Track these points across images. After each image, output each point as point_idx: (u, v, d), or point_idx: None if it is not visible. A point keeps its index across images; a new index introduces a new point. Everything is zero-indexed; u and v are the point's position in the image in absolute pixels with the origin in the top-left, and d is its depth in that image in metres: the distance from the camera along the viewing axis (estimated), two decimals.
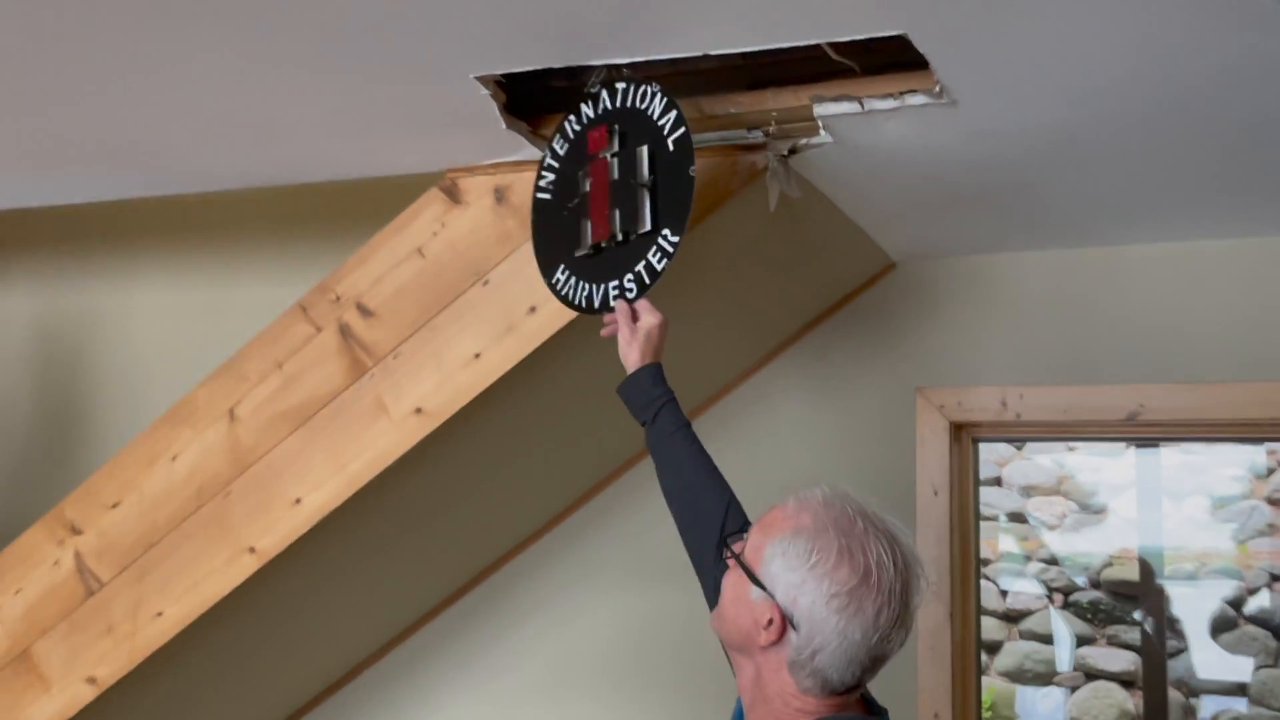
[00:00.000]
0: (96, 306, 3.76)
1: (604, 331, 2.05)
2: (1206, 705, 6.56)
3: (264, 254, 3.56)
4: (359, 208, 2.73)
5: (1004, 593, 6.92)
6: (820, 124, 2.07)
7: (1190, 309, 2.75)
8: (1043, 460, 7.43)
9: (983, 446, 3.09)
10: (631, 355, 1.97)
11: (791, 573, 1.47)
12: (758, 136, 2.13)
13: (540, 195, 2.13)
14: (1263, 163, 2.29)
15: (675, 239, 1.89)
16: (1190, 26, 1.67)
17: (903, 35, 1.74)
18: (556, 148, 2.10)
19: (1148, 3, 1.62)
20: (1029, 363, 2.84)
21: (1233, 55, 1.78)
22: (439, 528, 2.86)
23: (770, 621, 1.47)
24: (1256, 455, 7.27)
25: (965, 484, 2.94)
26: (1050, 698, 6.82)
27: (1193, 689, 6.59)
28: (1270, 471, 7.17)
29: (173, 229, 3.69)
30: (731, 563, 1.59)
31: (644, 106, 1.93)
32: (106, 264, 3.79)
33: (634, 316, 1.97)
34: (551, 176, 2.11)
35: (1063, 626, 6.90)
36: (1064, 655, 6.86)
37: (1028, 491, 7.12)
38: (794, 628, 1.46)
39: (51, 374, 3.79)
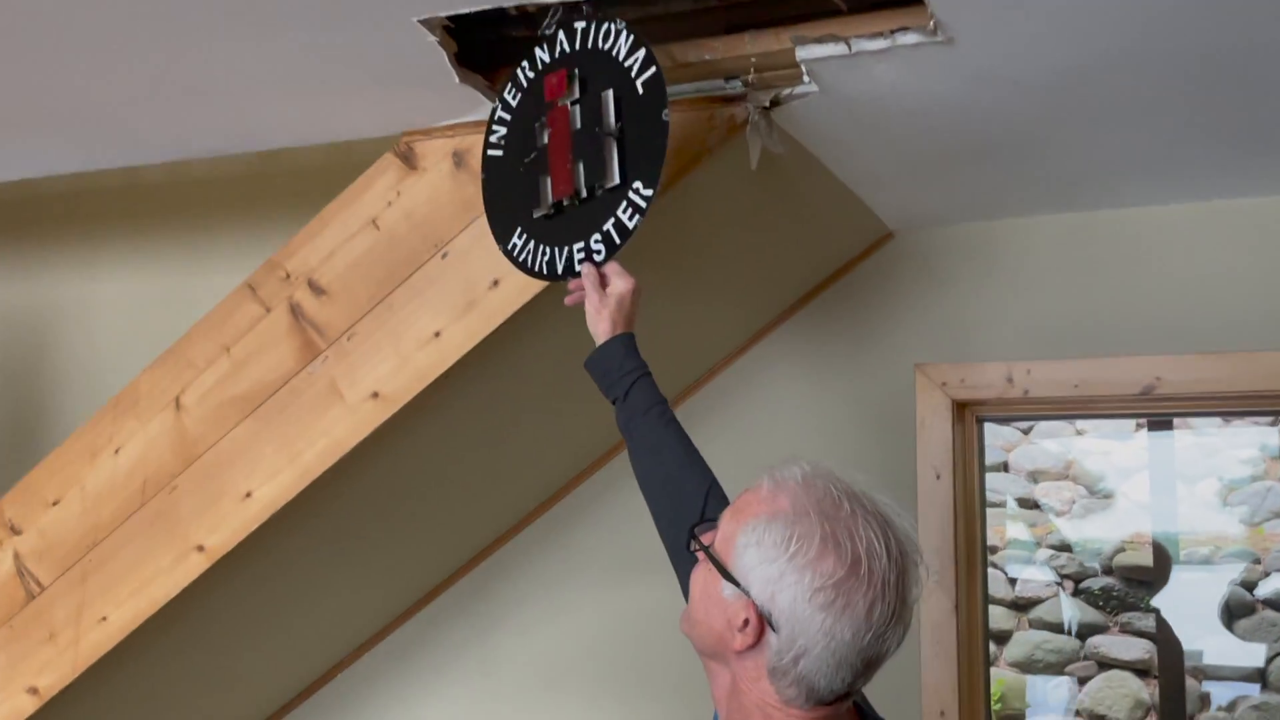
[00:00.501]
0: (57, 296, 3.68)
1: (569, 300, 1.89)
2: (1221, 692, 6.52)
3: (231, 240, 3.44)
4: (329, 190, 2.58)
5: (1013, 580, 6.96)
6: (804, 70, 1.91)
7: (1209, 274, 2.61)
8: (1050, 444, 7.47)
9: (988, 428, 2.95)
10: (601, 325, 1.80)
11: (769, 565, 1.29)
12: (736, 87, 1.97)
13: (491, 152, 1.97)
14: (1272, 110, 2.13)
15: (649, 192, 1.72)
16: None
17: None
18: (508, 98, 1.94)
19: None
20: (1036, 336, 2.71)
21: None
22: (404, 523, 2.72)
23: (746, 622, 1.30)
24: (1269, 436, 7.29)
25: (970, 466, 2.81)
26: (1062, 686, 6.79)
27: (1207, 675, 6.57)
28: None
29: (136, 215, 3.61)
30: (700, 556, 1.41)
31: (607, 47, 1.77)
32: (66, 252, 3.70)
33: (603, 282, 1.81)
34: (503, 131, 1.95)
35: (1074, 611, 6.87)
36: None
37: (1035, 476, 7.18)
38: (773, 629, 1.28)
39: (10, 367, 3.70)
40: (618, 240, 1.77)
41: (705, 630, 1.40)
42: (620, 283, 1.79)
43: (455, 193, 2.14)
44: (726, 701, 1.40)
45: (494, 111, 1.97)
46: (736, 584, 1.31)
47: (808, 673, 1.27)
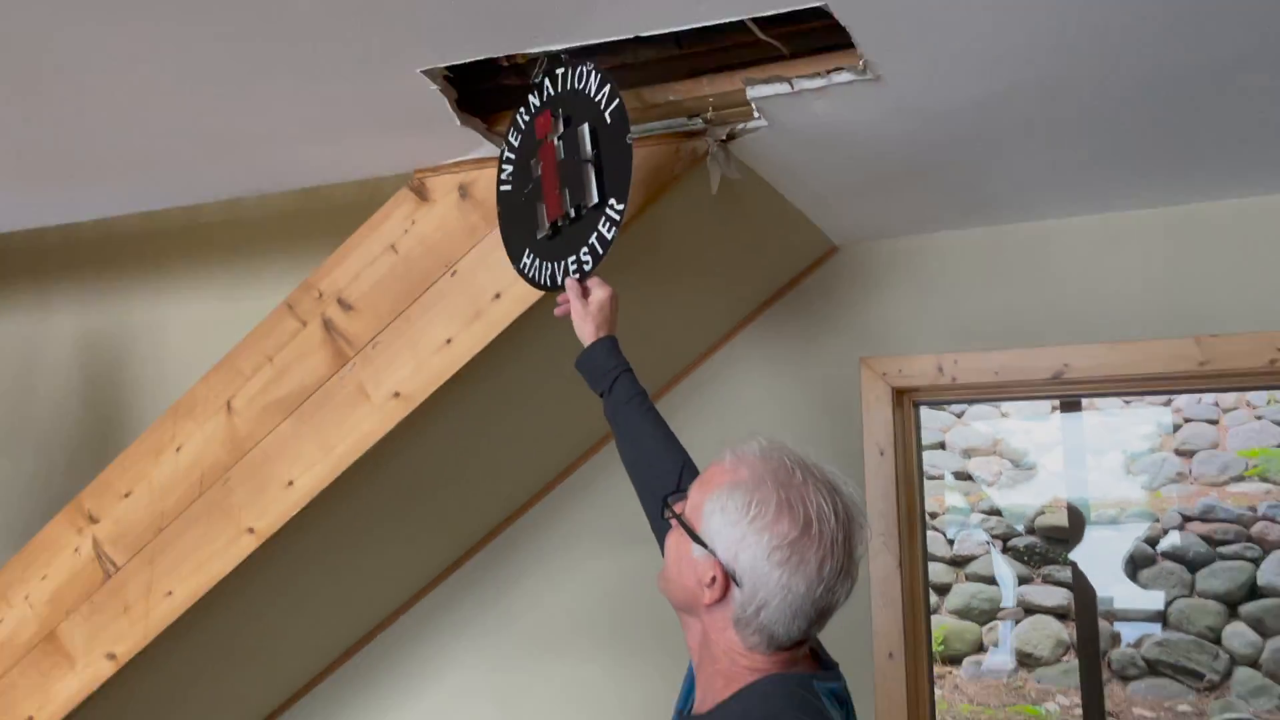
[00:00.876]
0: (131, 322, 3.64)
1: (558, 312, 1.86)
2: (1129, 632, 6.58)
3: (276, 266, 3.39)
4: (358, 220, 2.57)
5: (951, 541, 7.00)
6: (754, 107, 1.89)
7: (1108, 275, 2.59)
8: (980, 425, 7.52)
9: (925, 412, 2.92)
10: (586, 329, 1.79)
11: (731, 528, 1.28)
12: (697, 123, 1.95)
13: (502, 188, 1.95)
14: (1173, 136, 2.10)
15: (621, 206, 1.70)
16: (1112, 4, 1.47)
17: (824, 7, 1.53)
18: (512, 140, 1.92)
19: None
20: (962, 331, 2.68)
21: (1148, 23, 1.57)
22: (425, 505, 2.68)
23: (713, 579, 1.29)
24: (1163, 415, 7.34)
25: (908, 444, 2.78)
26: (993, 631, 6.84)
27: (1116, 617, 6.62)
28: (1176, 428, 7.24)
29: (195, 248, 3.58)
30: (673, 522, 1.40)
31: (582, 86, 1.74)
32: (139, 284, 3.66)
33: (585, 293, 1.79)
34: (510, 169, 1.92)
35: (1004, 567, 6.94)
36: (1008, 595, 6.91)
37: (968, 453, 7.25)
38: (737, 584, 1.27)
39: (94, 383, 3.67)
40: (600, 251, 1.74)
41: (679, 587, 1.37)
42: (599, 292, 1.77)
43: (461, 220, 2.11)
44: (699, 650, 1.38)
45: (502, 153, 1.95)
46: (704, 545, 1.30)
47: (768, 622, 1.26)
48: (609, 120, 1.69)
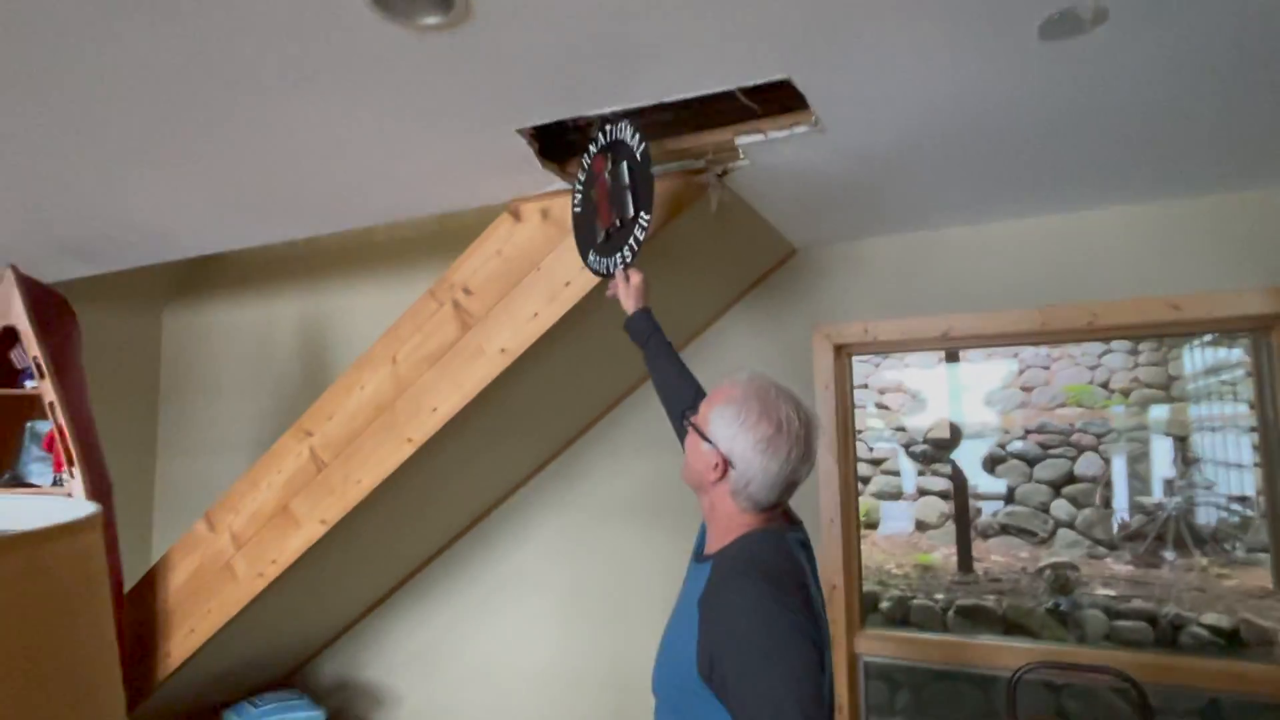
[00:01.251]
0: (330, 307, 3.61)
1: (609, 294, 1.81)
2: (988, 506, 6.53)
3: (425, 266, 3.34)
4: (476, 234, 2.53)
5: (871, 448, 6.91)
6: (740, 151, 1.81)
7: (979, 266, 2.49)
8: (889, 373, 7.41)
9: (856, 364, 2.85)
10: (629, 303, 1.74)
11: (727, 428, 1.29)
12: (700, 163, 1.87)
13: (575, 210, 1.87)
14: (1025, 171, 2.01)
15: (648, 217, 1.64)
16: (983, 76, 1.39)
17: (788, 79, 1.45)
18: (580, 178, 1.84)
19: (943, 51, 1.35)
20: (881, 305, 2.60)
21: (1010, 88, 1.49)
22: (521, 424, 2.63)
23: (716, 465, 1.30)
24: (1013, 364, 7.22)
25: (843, 383, 2.70)
26: (899, 507, 6.81)
27: (979, 497, 6.62)
28: (1021, 372, 7.16)
29: (370, 256, 3.54)
30: (689, 428, 1.38)
31: (623, 137, 1.67)
32: (335, 281, 3.62)
33: (628, 279, 1.73)
34: (579, 197, 1.85)
35: (906, 465, 6.92)
36: (908, 483, 6.89)
37: (882, 391, 7.15)
38: (732, 467, 1.29)
39: (306, 348, 3.65)
40: (636, 248, 1.67)
41: (693, 472, 1.36)
42: (636, 277, 1.73)
43: (543, 234, 2.05)
44: (708, 514, 1.37)
45: (574, 186, 1.87)
46: (710, 442, 1.31)
47: (753, 492, 1.28)
48: (639, 158, 1.63)
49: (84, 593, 0.66)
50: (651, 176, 1.62)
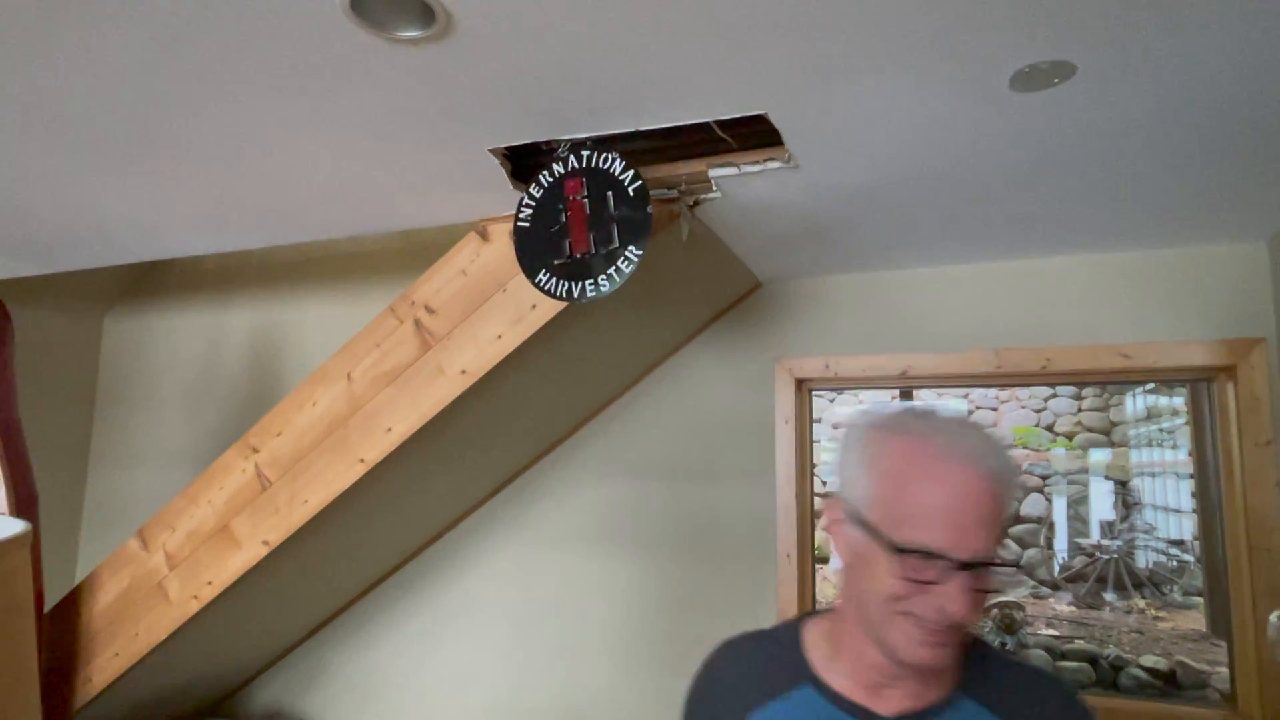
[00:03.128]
0: (284, 319, 3.51)
1: None
2: None
3: (384, 283, 3.29)
4: (440, 252, 2.49)
5: (824, 482, 6.95)
6: (713, 183, 1.81)
7: (938, 308, 2.53)
8: (843, 408, 7.45)
9: (814, 396, 2.85)
10: None
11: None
12: (673, 193, 1.86)
13: (522, 225, 1.79)
14: (984, 217, 2.05)
15: (639, 252, 1.62)
16: (955, 122, 1.41)
17: (764, 114, 1.46)
18: (533, 192, 1.77)
19: (918, 96, 1.37)
20: (841, 342, 2.62)
21: (979, 136, 1.52)
22: (478, 448, 2.58)
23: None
24: (963, 403, 7.31)
25: (804, 417, 2.72)
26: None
27: None
28: (970, 413, 7.24)
29: (328, 270, 3.46)
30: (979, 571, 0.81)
31: (606, 167, 1.64)
32: (291, 293, 3.53)
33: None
34: (529, 212, 1.78)
35: None
36: None
37: (837, 425, 7.20)
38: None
39: (257, 360, 3.54)
40: (618, 279, 1.64)
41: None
42: None
43: (511, 255, 1.99)
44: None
45: (522, 200, 1.80)
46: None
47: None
48: (632, 194, 1.61)
49: (6, 617, 0.61)
50: (650, 215, 1.60)
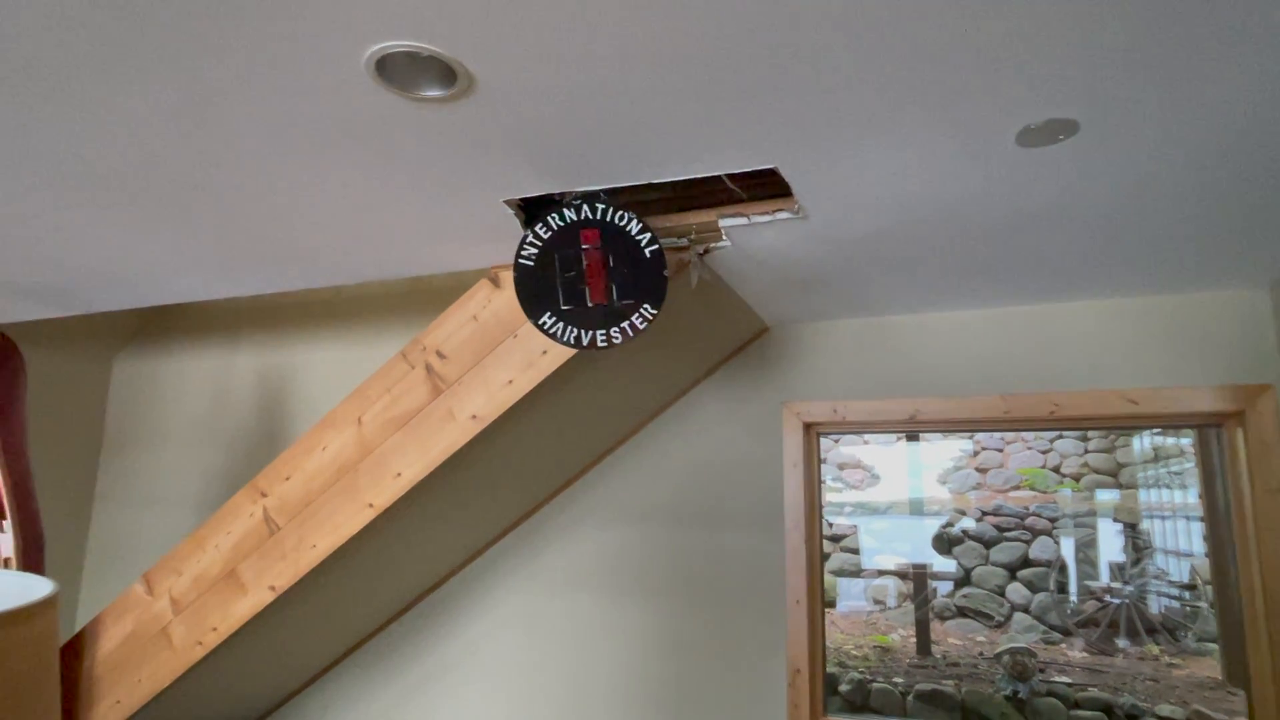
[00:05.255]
0: (292, 362, 3.53)
1: None
2: (944, 586, 6.56)
3: (395, 328, 3.32)
4: (451, 299, 2.51)
5: (830, 524, 6.91)
6: (723, 233, 1.85)
7: (946, 352, 2.55)
8: (848, 450, 7.46)
9: (822, 440, 2.85)
10: None
11: None
12: (683, 242, 1.90)
13: (523, 263, 1.78)
14: (990, 265, 2.08)
15: (654, 311, 1.66)
16: (961, 176, 1.45)
17: (774, 168, 1.50)
18: (539, 232, 1.75)
19: (926, 152, 1.40)
20: (848, 386, 2.63)
21: (986, 188, 1.56)
22: (486, 493, 2.58)
23: None
24: (968, 444, 7.32)
25: (812, 461, 2.71)
26: (857, 585, 6.77)
27: (935, 577, 6.59)
28: (976, 454, 7.24)
29: (339, 314, 3.49)
30: None
31: (622, 224, 1.68)
32: (300, 337, 3.55)
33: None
34: (534, 250, 1.76)
35: (866, 542, 6.89)
36: (866, 560, 6.86)
37: (842, 466, 7.19)
38: None
39: (266, 404, 3.55)
40: (631, 334, 1.68)
41: None
42: None
43: None
44: None
45: (524, 238, 1.78)
46: None
47: None
48: (648, 255, 1.66)
49: (36, 679, 0.61)
50: (665, 279, 1.64)
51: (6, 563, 2.34)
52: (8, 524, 2.37)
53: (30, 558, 2.38)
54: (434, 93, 1.24)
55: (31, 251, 2.11)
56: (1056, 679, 5.36)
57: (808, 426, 2.67)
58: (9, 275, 2.32)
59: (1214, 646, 5.70)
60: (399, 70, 1.19)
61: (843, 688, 5.09)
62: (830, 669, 5.33)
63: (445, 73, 1.20)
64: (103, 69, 1.22)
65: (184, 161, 1.54)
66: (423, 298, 3.26)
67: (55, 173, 1.61)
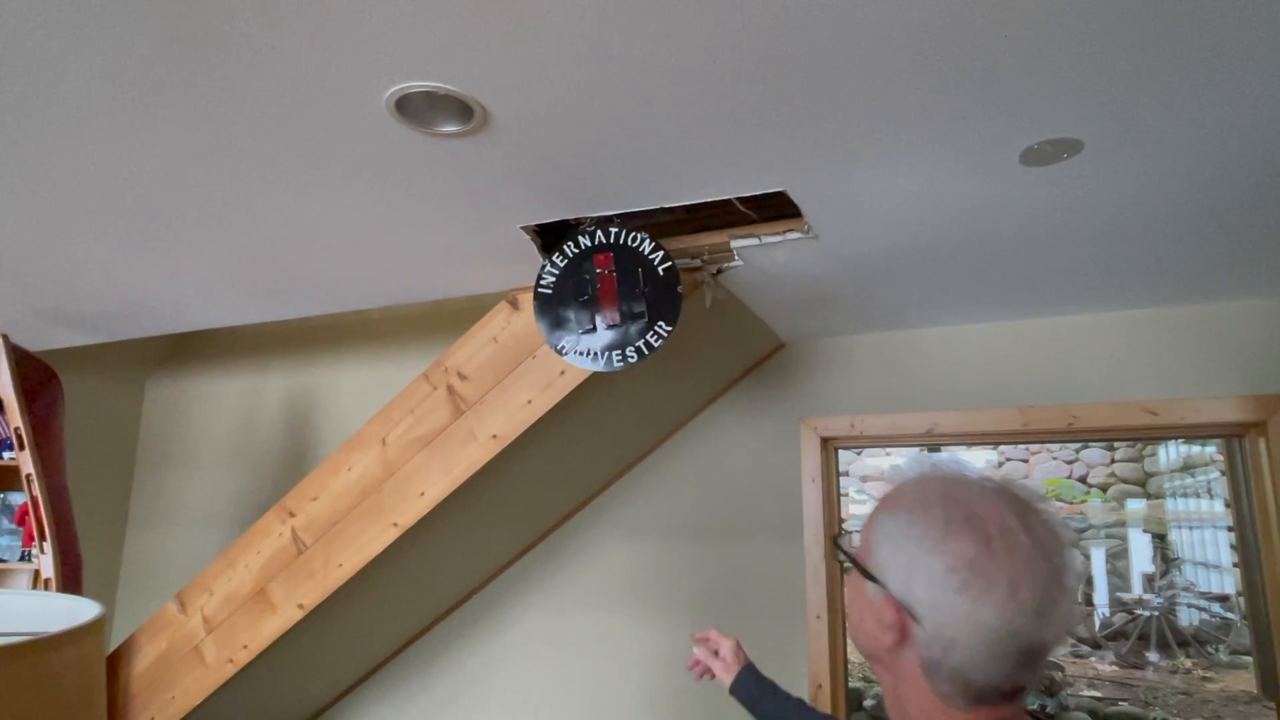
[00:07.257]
0: (319, 384, 3.60)
1: (696, 677, 1.46)
2: None
3: (417, 350, 3.38)
4: (472, 321, 2.56)
5: (853, 536, 6.89)
6: (735, 253, 1.88)
7: (963, 366, 2.55)
8: (871, 461, 7.39)
9: (841, 454, 2.86)
10: (730, 673, 1.40)
11: (899, 554, 0.76)
12: (697, 263, 1.93)
13: (544, 291, 1.86)
14: (1003, 277, 2.09)
15: (669, 328, 1.69)
16: (968, 194, 1.47)
17: (783, 191, 1.53)
18: (557, 260, 1.83)
19: (931, 173, 1.43)
20: (864, 400, 2.64)
21: (993, 206, 1.57)
22: (509, 510, 2.62)
23: (891, 620, 0.76)
24: (993, 455, 7.22)
25: (830, 475, 2.72)
26: None
27: None
28: (1000, 465, 7.13)
29: (362, 336, 3.55)
30: (843, 558, 0.86)
31: (635, 245, 1.72)
32: (326, 360, 3.62)
33: (714, 652, 1.43)
34: (552, 279, 1.84)
35: None
36: None
37: (864, 479, 7.13)
38: (916, 621, 0.74)
39: (293, 422, 3.62)
40: (646, 352, 1.71)
41: (861, 634, 0.81)
42: (725, 643, 1.43)
43: None
44: (891, 707, 0.82)
45: (544, 267, 1.85)
46: (875, 580, 0.78)
47: (961, 666, 0.72)
48: (662, 273, 1.70)
49: (86, 697, 0.65)
50: (680, 295, 1.68)
51: (47, 583, 2.41)
52: (48, 545, 2.44)
53: (69, 578, 2.45)
54: (452, 128, 1.29)
55: (74, 283, 2.19)
56: (1086, 693, 5.27)
57: (825, 441, 2.68)
58: (52, 304, 2.41)
59: (1248, 659, 5.57)
60: (418, 108, 1.24)
61: (867, 703, 5.02)
62: (854, 684, 5.27)
63: (462, 110, 1.24)
64: (142, 110, 1.29)
65: (216, 198, 1.60)
66: (445, 319, 3.32)
67: (97, 208, 1.68)
